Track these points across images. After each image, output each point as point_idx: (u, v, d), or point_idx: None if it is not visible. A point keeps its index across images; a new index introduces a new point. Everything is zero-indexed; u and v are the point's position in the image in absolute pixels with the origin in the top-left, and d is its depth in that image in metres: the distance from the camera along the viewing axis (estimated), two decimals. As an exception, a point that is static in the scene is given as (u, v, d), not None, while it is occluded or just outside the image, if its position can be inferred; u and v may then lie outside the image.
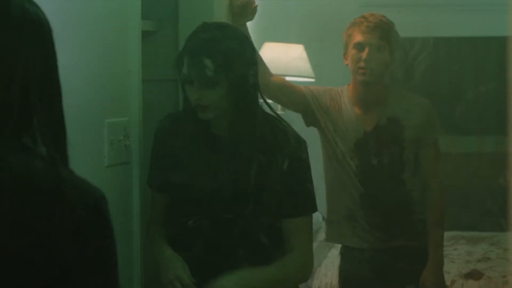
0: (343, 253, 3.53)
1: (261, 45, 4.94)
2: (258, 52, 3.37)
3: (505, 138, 5.92)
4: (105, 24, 2.36)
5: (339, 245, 3.61)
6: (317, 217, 5.61)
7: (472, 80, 6.09)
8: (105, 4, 2.35)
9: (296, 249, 2.50)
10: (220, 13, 2.99)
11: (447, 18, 5.95)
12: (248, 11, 3.11)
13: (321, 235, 5.26)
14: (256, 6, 3.13)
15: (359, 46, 3.30)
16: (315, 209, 2.56)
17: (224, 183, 2.45)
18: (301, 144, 2.53)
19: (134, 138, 2.51)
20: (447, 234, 5.42)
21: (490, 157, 6.01)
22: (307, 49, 5.29)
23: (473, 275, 4.71)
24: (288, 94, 3.41)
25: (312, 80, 5.08)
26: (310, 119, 3.44)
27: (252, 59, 2.47)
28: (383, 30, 3.30)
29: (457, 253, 5.09)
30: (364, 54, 3.28)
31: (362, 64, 3.29)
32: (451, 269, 4.75)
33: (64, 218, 1.26)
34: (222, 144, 2.48)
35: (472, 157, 6.08)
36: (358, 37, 3.31)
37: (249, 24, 3.22)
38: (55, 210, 1.26)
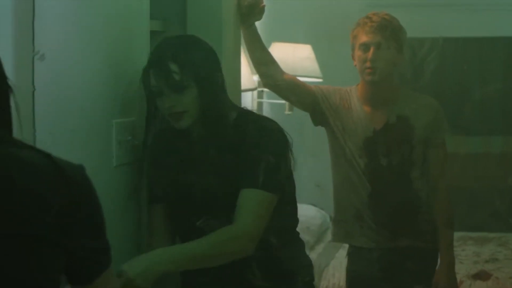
0: (350, 253, 3.53)
1: (269, 45, 4.93)
2: (268, 51, 3.38)
3: (513, 139, 5.92)
4: (113, 24, 2.36)
5: (347, 246, 3.61)
6: (325, 218, 5.61)
7: (480, 80, 6.08)
8: (113, 4, 2.35)
9: (238, 219, 2.38)
10: (228, 13, 3.00)
11: (456, 18, 5.94)
12: (256, 11, 3.12)
13: (329, 236, 5.26)
14: (264, 6, 3.13)
15: (364, 47, 3.31)
16: (278, 190, 2.44)
17: (231, 183, 2.44)
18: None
19: (142, 138, 2.51)
20: (455, 234, 5.45)
21: (498, 157, 6.00)
22: (315, 49, 5.29)
23: (481, 276, 4.70)
24: (298, 93, 3.42)
25: (320, 80, 5.09)
26: (319, 118, 3.44)
27: (216, 63, 2.48)
28: (386, 29, 3.30)
29: (465, 254, 5.08)
30: (369, 54, 3.29)
31: (368, 64, 3.30)
32: (459, 270, 4.73)
33: (66, 193, 1.39)
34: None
35: (479, 157, 6.07)
36: (363, 38, 3.32)
37: (257, 24, 3.22)
38: (62, 190, 1.38)
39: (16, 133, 1.96)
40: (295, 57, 5.04)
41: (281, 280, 2.57)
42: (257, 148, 2.43)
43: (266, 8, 3.15)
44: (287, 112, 5.12)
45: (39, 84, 2.02)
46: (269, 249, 2.52)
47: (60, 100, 2.12)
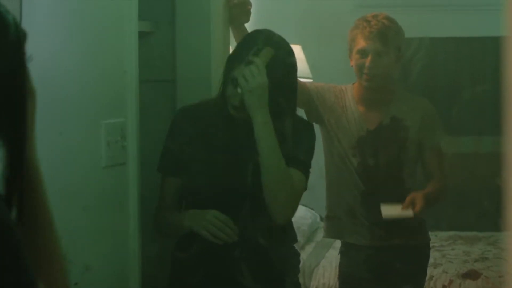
0: (342, 252, 3.53)
1: (258, 45, 4.93)
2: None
3: (501, 139, 5.93)
4: (102, 24, 2.36)
5: (337, 246, 3.61)
6: (315, 218, 5.62)
7: (468, 80, 6.09)
8: (102, 4, 2.36)
9: None
10: (217, 14, 3.00)
11: (443, 18, 5.95)
12: (242, 12, 3.11)
13: (319, 236, 5.27)
14: (250, 8, 3.13)
15: (363, 52, 3.30)
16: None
17: (220, 185, 2.45)
18: None
19: (131, 138, 2.51)
20: (444, 234, 5.47)
21: (487, 157, 6.01)
22: (305, 49, 5.30)
23: (471, 275, 4.71)
24: None
25: (310, 80, 5.08)
26: (314, 115, 3.44)
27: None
28: (386, 36, 3.29)
29: (454, 253, 5.09)
30: (367, 61, 3.28)
31: (366, 70, 3.30)
32: (449, 269, 4.75)
33: None
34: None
35: (468, 157, 6.08)
36: (361, 43, 3.30)
37: (246, 25, 3.22)
38: None
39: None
40: (284, 57, 5.03)
41: (270, 281, 2.58)
42: None
43: (256, 8, 3.15)
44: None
45: (27, 85, 2.02)
46: (258, 250, 2.52)
47: (48, 101, 2.12)
